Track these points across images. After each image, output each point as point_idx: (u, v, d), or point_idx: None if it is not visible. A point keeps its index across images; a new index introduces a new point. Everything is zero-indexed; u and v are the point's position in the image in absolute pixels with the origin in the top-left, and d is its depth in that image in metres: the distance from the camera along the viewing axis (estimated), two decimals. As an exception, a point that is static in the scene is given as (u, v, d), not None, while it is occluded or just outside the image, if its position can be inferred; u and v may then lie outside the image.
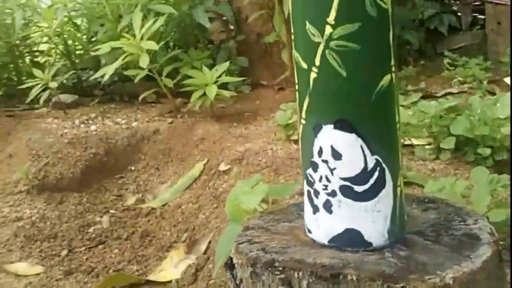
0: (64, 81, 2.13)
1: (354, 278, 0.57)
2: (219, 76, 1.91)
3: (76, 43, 2.38)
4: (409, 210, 0.73)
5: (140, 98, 2.03)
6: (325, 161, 0.62)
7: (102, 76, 1.92)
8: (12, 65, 2.17)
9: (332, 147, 0.61)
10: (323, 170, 0.62)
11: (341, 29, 0.58)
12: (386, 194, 0.62)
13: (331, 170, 0.62)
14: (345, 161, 0.61)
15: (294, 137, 1.64)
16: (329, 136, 0.61)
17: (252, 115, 2.04)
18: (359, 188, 0.61)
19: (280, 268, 0.60)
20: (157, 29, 1.92)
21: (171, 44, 2.31)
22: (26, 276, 1.32)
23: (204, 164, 1.73)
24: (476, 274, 0.58)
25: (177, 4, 2.06)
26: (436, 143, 1.41)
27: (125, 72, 2.01)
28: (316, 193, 0.64)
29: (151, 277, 1.27)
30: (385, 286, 0.56)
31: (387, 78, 0.60)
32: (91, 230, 1.57)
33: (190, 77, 1.94)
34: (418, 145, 1.46)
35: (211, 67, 1.98)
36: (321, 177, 0.63)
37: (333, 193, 0.62)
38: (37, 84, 1.90)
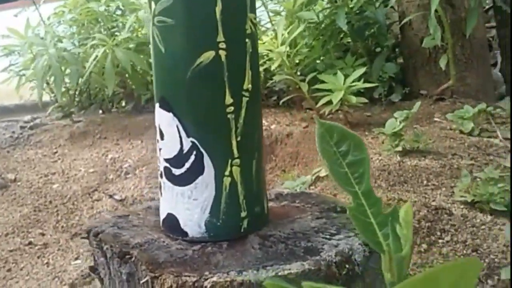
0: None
1: (133, 259, 0.54)
2: (352, 82, 1.82)
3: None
4: (307, 216, 0.63)
5: (281, 102, 2.11)
6: (157, 141, 0.60)
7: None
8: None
9: (159, 126, 0.59)
10: (157, 150, 0.61)
11: (159, 4, 0.56)
12: (204, 182, 0.56)
13: (159, 150, 0.60)
14: (166, 142, 0.58)
15: (399, 148, 1.46)
16: (157, 115, 0.59)
17: (392, 125, 1.87)
18: (176, 171, 0.58)
19: (98, 239, 0.61)
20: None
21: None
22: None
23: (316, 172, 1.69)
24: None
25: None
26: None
27: (275, 77, 2.11)
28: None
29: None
30: (147, 272, 0.52)
31: (208, 54, 0.55)
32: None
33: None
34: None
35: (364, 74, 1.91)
36: (158, 158, 0.61)
37: (161, 175, 0.60)
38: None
